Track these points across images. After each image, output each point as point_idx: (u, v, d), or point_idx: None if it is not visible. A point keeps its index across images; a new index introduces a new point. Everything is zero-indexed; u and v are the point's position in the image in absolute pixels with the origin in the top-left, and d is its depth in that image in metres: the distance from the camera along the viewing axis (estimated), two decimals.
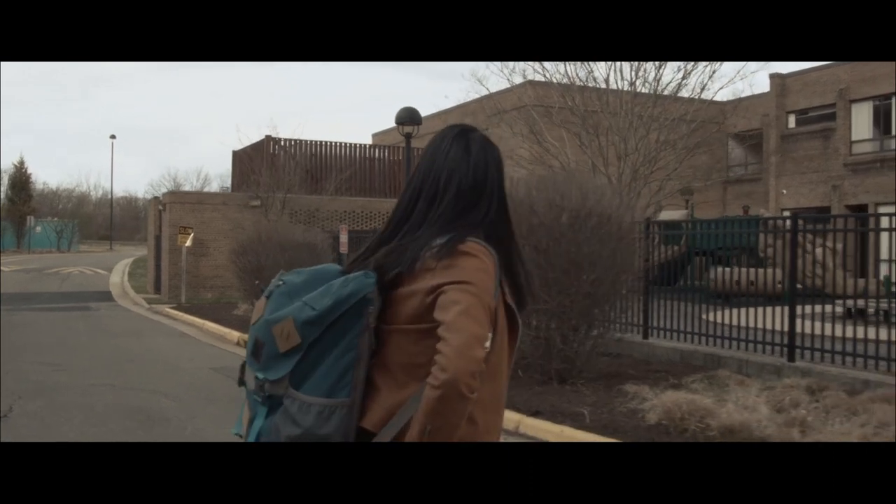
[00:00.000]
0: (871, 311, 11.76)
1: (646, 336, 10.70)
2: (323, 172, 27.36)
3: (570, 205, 7.68)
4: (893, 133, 26.82)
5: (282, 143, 27.23)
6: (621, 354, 10.53)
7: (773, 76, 30.63)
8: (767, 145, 30.64)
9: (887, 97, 26.86)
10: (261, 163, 25.81)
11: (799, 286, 14.98)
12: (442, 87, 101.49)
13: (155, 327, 17.04)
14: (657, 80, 18.37)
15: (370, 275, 1.95)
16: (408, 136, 13.87)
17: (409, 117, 13.48)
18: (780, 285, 16.29)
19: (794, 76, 30.28)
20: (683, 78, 18.34)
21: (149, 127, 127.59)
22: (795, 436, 5.74)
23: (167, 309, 20.93)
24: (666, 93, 18.71)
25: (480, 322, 1.83)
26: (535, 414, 7.14)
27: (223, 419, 7.37)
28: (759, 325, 9.28)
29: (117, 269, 38.12)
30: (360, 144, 28.90)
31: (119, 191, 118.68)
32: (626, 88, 18.61)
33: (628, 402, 7.17)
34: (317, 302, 1.92)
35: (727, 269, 13.43)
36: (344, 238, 15.89)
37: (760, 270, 15.36)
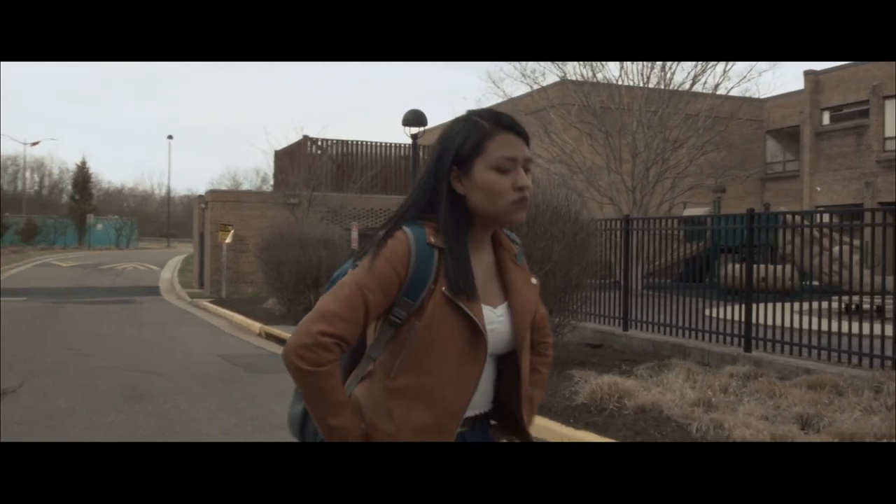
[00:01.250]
0: (866, 307, 12.00)
1: (626, 328, 11.23)
2: (359, 171, 28.20)
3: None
4: None
5: (318, 142, 28.21)
6: (602, 345, 11.09)
7: (807, 73, 30.56)
8: (802, 142, 30.59)
9: None
10: (298, 162, 26.81)
11: (815, 283, 15.26)
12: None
13: (187, 319, 18.03)
14: (669, 80, 18.75)
15: (354, 265, 1.98)
16: (414, 138, 14.60)
17: (415, 119, 14.21)
18: (790, 281, 16.59)
19: (829, 73, 30.16)
20: (695, 78, 18.70)
21: (212, 124, 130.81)
22: (698, 414, 6.28)
23: (205, 302, 21.95)
24: (680, 90, 19.10)
25: (336, 298, 1.85)
26: None
27: (205, 397, 8.17)
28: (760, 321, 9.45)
29: (169, 266, 39.59)
30: (396, 143, 29.68)
31: (182, 189, 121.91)
32: (640, 85, 19.04)
33: (572, 385, 7.75)
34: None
35: (737, 266, 13.77)
36: (355, 234, 16.67)
37: (772, 267, 15.63)
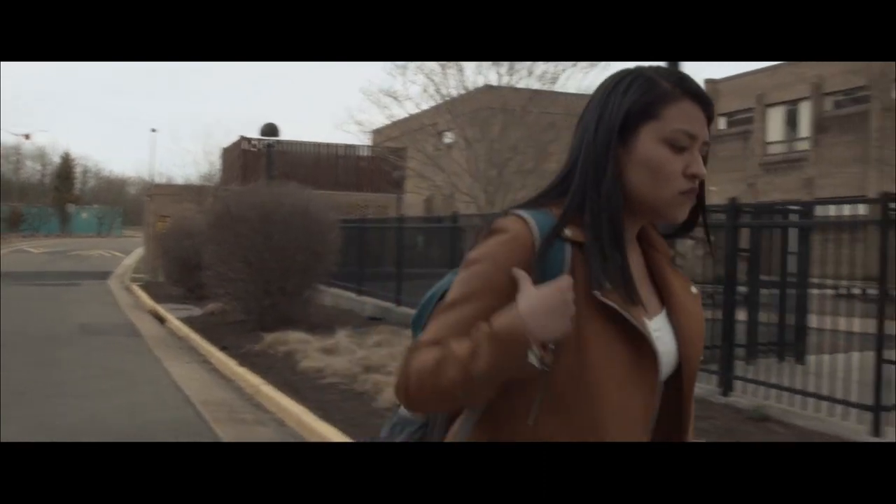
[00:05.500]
0: None
1: (398, 304, 14.00)
2: (291, 169, 31.03)
3: (264, 208, 11.07)
4: (799, 135, 29.27)
5: (252, 142, 31.04)
6: (382, 318, 13.84)
7: (707, 81, 33.14)
8: None
9: (796, 102, 29.32)
10: (234, 160, 29.72)
11: None
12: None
13: (101, 299, 20.69)
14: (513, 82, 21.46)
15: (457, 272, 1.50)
16: (269, 147, 17.38)
17: (270, 131, 16.98)
18: None
19: (726, 81, 32.78)
20: (551, 81, 21.44)
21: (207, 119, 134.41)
22: (311, 350, 9.06)
23: (134, 286, 24.79)
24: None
25: (448, 307, 1.44)
26: (223, 349, 10.55)
27: (16, 349, 10.93)
28: None
29: (135, 253, 42.37)
30: (327, 143, 32.57)
31: (180, 179, 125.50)
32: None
33: (279, 344, 10.43)
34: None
35: None
36: None
37: None
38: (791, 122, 29.90)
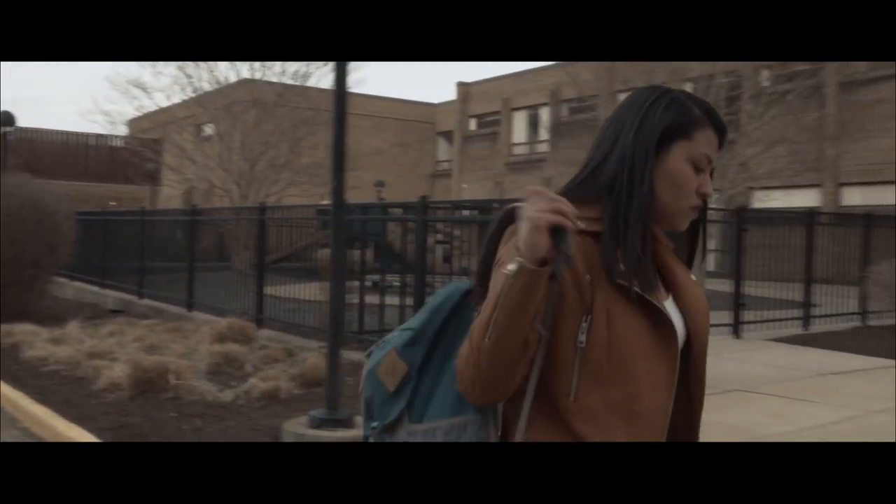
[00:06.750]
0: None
1: (140, 297, 14.14)
2: (37, 158, 29.66)
3: None
4: (540, 138, 31.82)
5: None
6: (123, 310, 13.89)
7: (459, 84, 35.12)
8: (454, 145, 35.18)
9: (537, 107, 31.81)
10: None
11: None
12: None
13: None
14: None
15: (466, 281, 1.72)
16: (4, 136, 16.85)
17: (5, 120, 16.46)
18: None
19: (476, 84, 34.90)
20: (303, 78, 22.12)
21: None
22: (43, 342, 9.23)
23: None
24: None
25: (483, 309, 1.49)
26: None
27: None
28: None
29: None
30: (76, 132, 31.39)
31: None
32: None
33: (5, 336, 10.38)
34: (413, 321, 1.70)
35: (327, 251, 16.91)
36: None
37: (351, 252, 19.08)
38: (533, 125, 32.40)
